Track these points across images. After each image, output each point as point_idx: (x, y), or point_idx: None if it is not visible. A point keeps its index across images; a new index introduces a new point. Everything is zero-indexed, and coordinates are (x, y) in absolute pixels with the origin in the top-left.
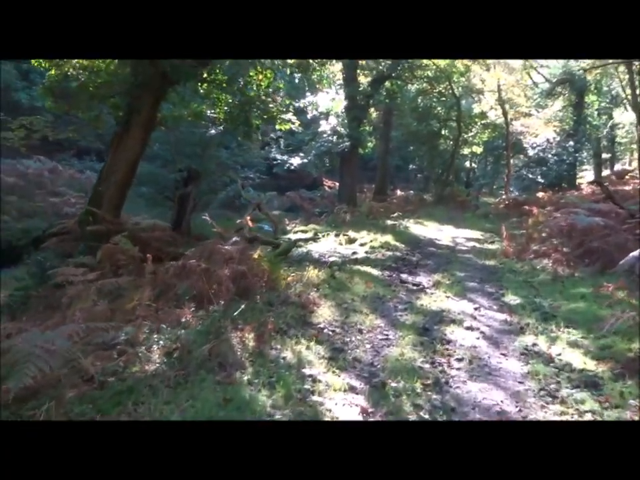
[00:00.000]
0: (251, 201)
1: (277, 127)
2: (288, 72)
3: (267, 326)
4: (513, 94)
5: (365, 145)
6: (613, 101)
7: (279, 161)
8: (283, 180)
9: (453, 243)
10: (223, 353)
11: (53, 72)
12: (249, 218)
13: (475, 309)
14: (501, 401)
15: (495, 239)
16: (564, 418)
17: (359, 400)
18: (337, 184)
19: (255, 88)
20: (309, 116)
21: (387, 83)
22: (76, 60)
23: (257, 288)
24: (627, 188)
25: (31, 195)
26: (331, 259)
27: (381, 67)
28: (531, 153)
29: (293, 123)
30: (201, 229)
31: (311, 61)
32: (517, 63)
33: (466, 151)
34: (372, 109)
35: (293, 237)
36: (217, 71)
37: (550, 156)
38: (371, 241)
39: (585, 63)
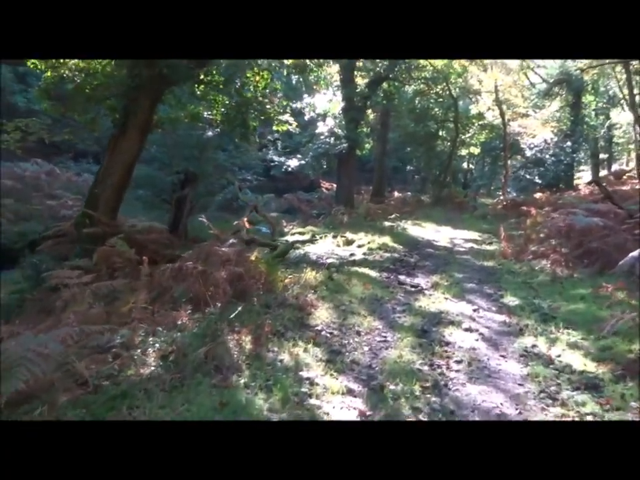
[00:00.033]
0: (248, 203)
1: (275, 128)
2: (285, 73)
3: (264, 328)
4: (510, 95)
5: (363, 146)
6: (610, 101)
7: (276, 163)
8: (280, 182)
9: (451, 244)
10: (220, 356)
11: (48, 74)
12: (246, 220)
13: (474, 310)
14: (501, 404)
15: (493, 239)
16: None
17: (357, 403)
18: (335, 186)
19: (252, 89)
20: (306, 118)
21: (385, 84)
22: (72, 61)
23: (254, 290)
24: (624, 188)
25: (27, 197)
26: (329, 261)
27: (378, 69)
28: (528, 153)
29: (291, 124)
30: (198, 232)
31: (308, 61)
32: (514, 64)
33: (463, 152)
34: (369, 111)
35: (290, 238)
36: (214, 72)
37: (547, 156)
38: (369, 243)
39: (582, 63)
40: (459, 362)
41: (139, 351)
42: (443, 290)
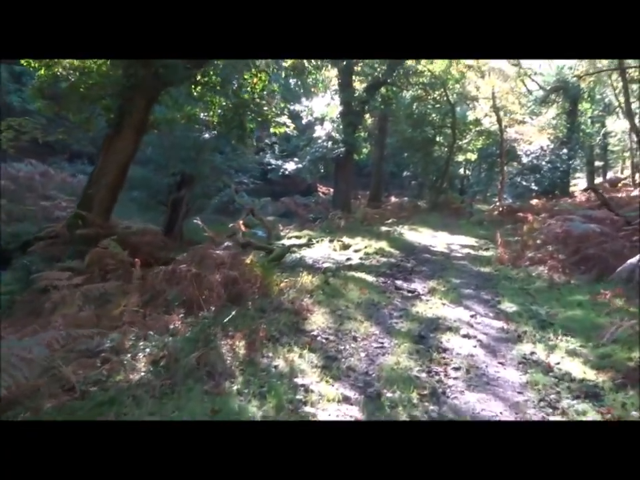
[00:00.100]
0: (244, 206)
1: (272, 130)
2: (283, 75)
3: (259, 333)
4: (508, 101)
5: (360, 151)
6: (605, 109)
7: (273, 166)
8: (277, 185)
9: (447, 249)
10: (212, 362)
11: (42, 72)
12: (241, 223)
13: (471, 316)
14: (500, 412)
15: (489, 245)
16: None
17: (353, 411)
18: (332, 190)
19: (249, 90)
20: (303, 121)
21: (383, 89)
22: (66, 60)
23: (249, 294)
24: (620, 195)
25: (21, 198)
26: (325, 265)
27: (376, 73)
28: (524, 160)
29: (288, 127)
30: (193, 234)
31: (306, 63)
32: (511, 71)
33: (460, 157)
34: (367, 115)
35: (286, 242)
36: (211, 73)
37: (544, 163)
38: (366, 247)
39: (579, 70)
40: (457, 369)
41: (128, 355)
42: (440, 295)
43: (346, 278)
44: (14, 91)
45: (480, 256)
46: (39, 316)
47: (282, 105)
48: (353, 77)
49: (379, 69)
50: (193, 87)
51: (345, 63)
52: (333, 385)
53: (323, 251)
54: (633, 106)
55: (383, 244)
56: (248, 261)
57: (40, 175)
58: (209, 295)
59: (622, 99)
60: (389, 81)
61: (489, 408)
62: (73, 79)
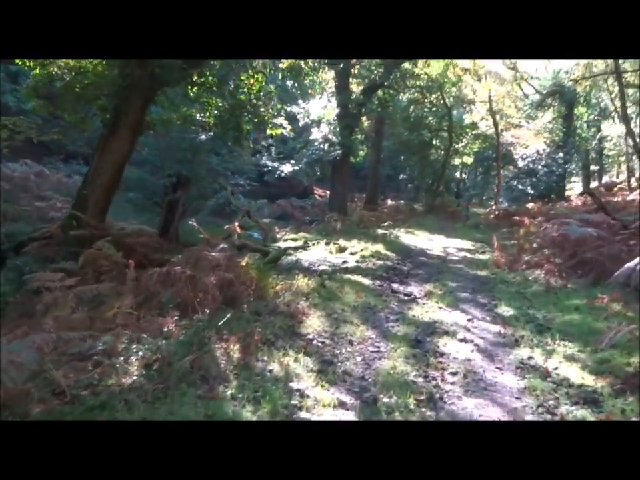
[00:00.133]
0: (240, 208)
1: (269, 131)
2: (280, 76)
3: (254, 336)
4: (504, 105)
5: (357, 153)
6: (601, 114)
7: (269, 169)
8: (273, 188)
9: (444, 252)
10: (206, 365)
11: (37, 71)
12: (237, 224)
13: (468, 320)
14: (498, 418)
15: (485, 249)
16: None
17: (349, 416)
18: (328, 192)
19: (246, 91)
20: (300, 124)
21: (380, 92)
22: (62, 60)
23: (244, 297)
24: (616, 199)
25: (16, 198)
26: (321, 268)
27: (373, 76)
28: (520, 164)
29: (285, 128)
30: (189, 236)
31: (303, 65)
32: (507, 74)
33: (457, 161)
34: (364, 118)
35: (282, 245)
36: (207, 73)
37: (540, 167)
38: (362, 250)
39: (575, 74)
40: (454, 374)
41: (121, 358)
42: (437, 299)
43: (342, 281)
44: (10, 91)
45: (476, 259)
46: (32, 317)
47: (279, 107)
48: (350, 80)
49: (375, 72)
50: (189, 87)
51: (341, 65)
52: (328, 390)
53: (319, 254)
54: (629, 110)
55: (379, 247)
56: (243, 263)
57: (35, 175)
58: (204, 297)
59: (618, 104)
60: (385, 83)
61: (487, 414)
62: (68, 79)
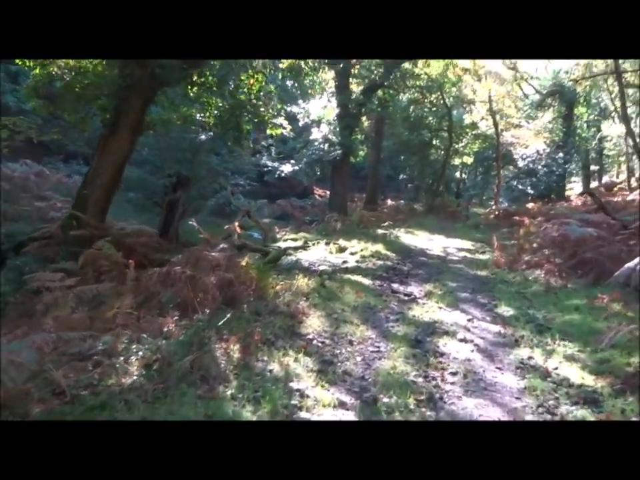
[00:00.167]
0: (240, 208)
1: (269, 131)
2: (280, 76)
3: (254, 336)
4: (504, 105)
5: (357, 153)
6: (601, 114)
7: (269, 169)
8: (273, 188)
9: (444, 252)
10: (206, 365)
11: (37, 71)
12: (237, 224)
13: (468, 320)
14: (498, 418)
15: (485, 249)
16: None
17: (349, 416)
18: (328, 192)
19: (246, 91)
20: (300, 124)
21: (380, 92)
22: (62, 60)
23: (244, 297)
24: (616, 199)
25: (16, 198)
26: (321, 268)
27: (373, 76)
28: (520, 164)
29: (285, 128)
30: (189, 236)
31: (303, 65)
32: (507, 74)
33: (456, 161)
34: (364, 118)
35: (282, 245)
36: (207, 73)
37: (540, 167)
38: (362, 250)
39: (575, 74)
40: (454, 374)
41: (121, 358)
42: (437, 299)
43: (342, 281)
44: (10, 91)
45: (476, 259)
46: (32, 317)
47: (279, 107)
48: (350, 80)
49: (375, 72)
50: (189, 87)
51: (341, 65)
52: (328, 390)
53: (319, 254)
54: (629, 110)
55: (379, 247)
56: (243, 263)
57: (35, 175)
58: (204, 297)
59: (618, 104)
60: (385, 83)
61: (487, 414)
62: (68, 79)
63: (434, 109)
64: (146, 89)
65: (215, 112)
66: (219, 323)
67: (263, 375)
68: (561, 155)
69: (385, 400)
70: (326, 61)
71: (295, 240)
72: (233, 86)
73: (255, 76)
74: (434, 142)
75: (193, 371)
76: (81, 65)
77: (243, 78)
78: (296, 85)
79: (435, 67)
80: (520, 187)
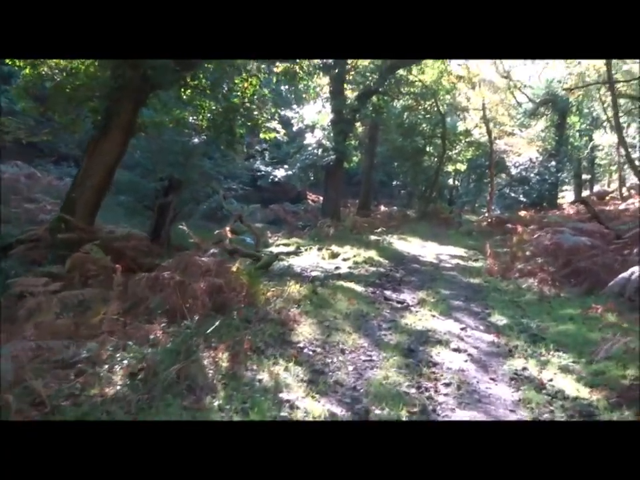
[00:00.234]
0: (232, 213)
1: (262, 135)
2: (274, 80)
3: (243, 345)
4: (497, 113)
5: (350, 159)
6: (593, 123)
7: (263, 173)
8: (266, 192)
9: (436, 259)
10: (193, 375)
11: (27, 71)
12: (228, 229)
13: (462, 329)
14: None
15: (478, 256)
16: None
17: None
18: (321, 198)
19: (239, 95)
20: (294, 128)
21: (374, 98)
22: (53, 60)
23: (235, 303)
24: (608, 208)
25: (5, 200)
26: (313, 274)
27: (368, 82)
28: (513, 171)
29: (278, 132)
30: (181, 240)
31: (297, 69)
32: (501, 82)
33: (450, 168)
34: (358, 124)
35: (274, 250)
36: (201, 76)
37: (532, 175)
38: (355, 256)
39: (568, 83)
40: (447, 385)
41: (105, 367)
42: (430, 307)
43: (334, 287)
44: (1, 92)
45: (469, 267)
46: (14, 323)
47: (273, 111)
48: (345, 85)
49: (370, 78)
50: (182, 90)
51: (336, 70)
52: (319, 401)
53: (312, 259)
54: (621, 120)
55: (372, 253)
56: (234, 269)
57: (25, 177)
58: (193, 303)
59: (610, 113)
60: (380, 90)
61: None
62: (58, 79)
63: (428, 115)
64: (138, 90)
65: (208, 115)
66: (208, 331)
67: (251, 385)
68: (553, 163)
69: (377, 412)
70: (321, 65)
71: (287, 245)
72: (226, 89)
73: (249, 79)
74: (427, 149)
75: (180, 381)
76: (72, 65)
77: (237, 81)
78: (290, 89)
79: (429, 74)
80: (512, 194)
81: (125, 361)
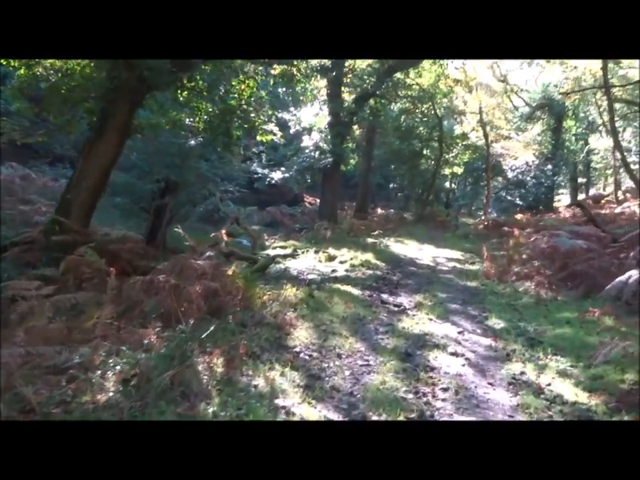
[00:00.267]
0: (229, 215)
1: (259, 138)
2: (271, 83)
3: (239, 349)
4: (494, 117)
5: (347, 161)
6: (589, 127)
7: (260, 175)
8: (263, 195)
9: (433, 262)
10: (187, 381)
11: (22, 72)
12: (224, 232)
13: (459, 332)
14: None
15: (475, 259)
16: None
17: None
18: (318, 200)
19: (236, 97)
20: (291, 131)
21: (371, 101)
22: (48, 60)
23: (230, 307)
24: (603, 212)
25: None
26: (310, 277)
27: (365, 85)
28: (510, 175)
29: (275, 134)
30: (177, 242)
31: (295, 71)
32: (498, 86)
33: (447, 171)
34: (355, 126)
35: (271, 252)
36: (198, 77)
37: (528, 179)
38: (351, 259)
39: (564, 88)
40: (445, 390)
41: (98, 373)
42: (427, 310)
43: (331, 291)
44: None
45: (466, 270)
46: (6, 327)
47: (270, 113)
48: (342, 88)
49: (368, 81)
50: (178, 91)
51: (334, 73)
52: (315, 407)
53: (308, 262)
54: (616, 124)
55: (369, 256)
56: (230, 272)
57: (20, 178)
58: (188, 307)
59: (606, 117)
60: (377, 93)
61: None
62: (54, 80)
63: (425, 119)
64: (134, 92)
65: (205, 117)
66: (203, 335)
67: (247, 391)
68: (549, 166)
69: (374, 418)
70: (318, 68)
71: (284, 248)
72: (223, 91)
73: (246, 81)
74: (424, 152)
75: (173, 387)
76: (67, 66)
77: (233, 83)
78: (288, 91)
79: (426, 77)
80: (509, 197)
81: (118, 367)
